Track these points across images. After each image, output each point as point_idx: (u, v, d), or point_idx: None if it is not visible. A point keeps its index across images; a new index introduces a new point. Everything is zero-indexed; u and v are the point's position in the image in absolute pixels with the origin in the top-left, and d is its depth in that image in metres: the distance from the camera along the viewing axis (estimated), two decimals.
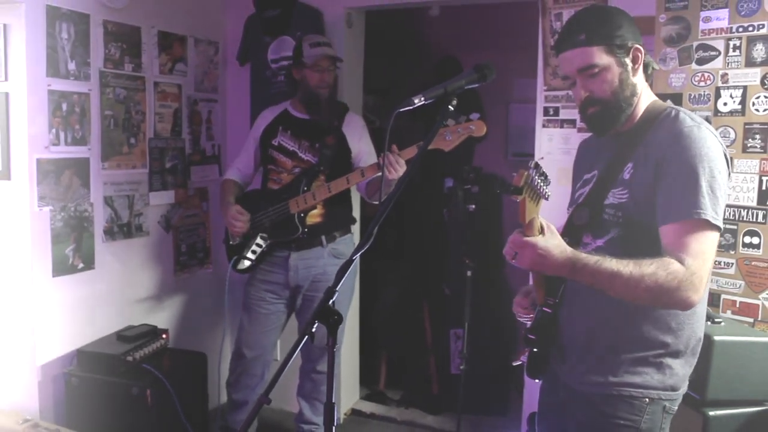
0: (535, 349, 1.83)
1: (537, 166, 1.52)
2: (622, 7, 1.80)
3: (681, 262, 1.53)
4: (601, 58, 1.66)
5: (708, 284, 1.68)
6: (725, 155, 1.62)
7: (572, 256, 1.55)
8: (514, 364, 1.91)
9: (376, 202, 3.02)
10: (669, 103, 1.78)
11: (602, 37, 1.66)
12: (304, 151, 3.08)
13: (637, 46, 1.69)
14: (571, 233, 1.78)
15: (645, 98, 1.75)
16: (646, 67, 1.74)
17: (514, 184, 1.49)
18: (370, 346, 4.31)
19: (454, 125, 2.65)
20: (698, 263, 1.53)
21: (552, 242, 1.56)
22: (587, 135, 2.01)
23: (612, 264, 1.53)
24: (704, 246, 1.55)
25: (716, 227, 1.56)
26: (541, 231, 1.58)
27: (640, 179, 1.64)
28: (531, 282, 1.87)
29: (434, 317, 4.25)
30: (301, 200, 2.96)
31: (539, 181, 1.52)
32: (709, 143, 1.58)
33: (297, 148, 3.09)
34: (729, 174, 1.63)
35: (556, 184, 2.99)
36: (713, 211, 1.55)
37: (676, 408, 1.72)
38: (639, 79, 1.73)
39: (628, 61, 1.69)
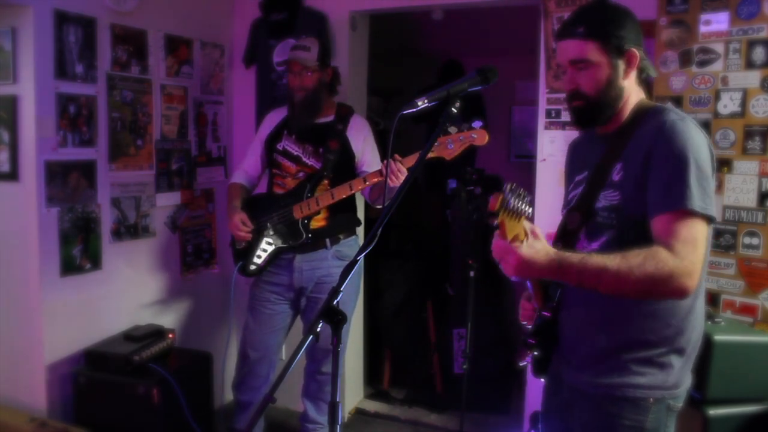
0: (535, 353, 1.85)
1: (513, 189, 1.52)
2: None
3: (670, 248, 1.49)
4: (593, 54, 1.66)
5: (704, 277, 1.67)
6: (710, 149, 1.62)
7: (556, 257, 1.54)
8: (521, 364, 1.93)
9: (380, 206, 3.02)
10: (669, 104, 1.78)
11: (599, 34, 1.65)
12: (308, 156, 3.08)
13: (634, 49, 1.67)
14: (564, 238, 1.78)
15: (634, 101, 1.74)
16: (641, 71, 1.73)
17: (489, 209, 1.51)
18: (374, 345, 4.34)
19: (456, 133, 2.64)
20: (688, 248, 1.50)
21: (536, 246, 1.54)
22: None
23: (598, 260, 1.51)
24: (694, 233, 1.52)
25: (705, 217, 1.54)
26: (525, 236, 1.58)
27: (630, 178, 1.64)
28: (529, 286, 1.88)
29: (438, 317, 4.27)
30: (305, 206, 2.97)
31: (516, 202, 1.52)
32: (693, 134, 1.58)
33: (301, 153, 3.09)
34: (713, 167, 1.62)
35: (557, 185, 3.05)
36: (702, 201, 1.53)
37: (681, 404, 1.72)
38: (629, 83, 1.72)
39: (620, 63, 1.68)
